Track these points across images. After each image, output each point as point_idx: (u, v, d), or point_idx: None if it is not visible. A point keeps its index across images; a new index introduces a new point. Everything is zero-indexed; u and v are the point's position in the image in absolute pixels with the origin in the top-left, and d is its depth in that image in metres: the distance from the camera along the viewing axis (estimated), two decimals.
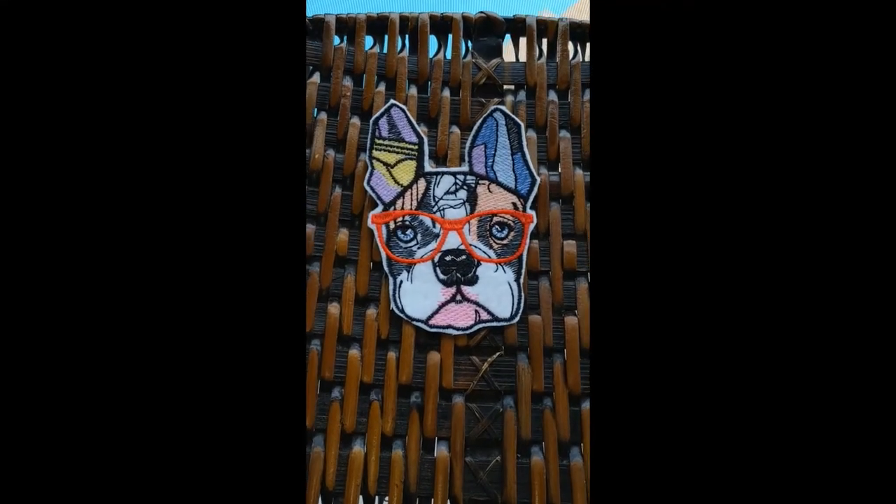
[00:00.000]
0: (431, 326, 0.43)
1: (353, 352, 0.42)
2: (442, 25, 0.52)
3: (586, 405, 0.41)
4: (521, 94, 0.50)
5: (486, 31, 0.52)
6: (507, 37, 0.52)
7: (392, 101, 0.47)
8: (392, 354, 0.42)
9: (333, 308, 0.43)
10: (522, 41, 0.52)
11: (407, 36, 0.51)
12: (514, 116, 0.47)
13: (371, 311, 0.43)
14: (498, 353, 0.43)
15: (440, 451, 0.40)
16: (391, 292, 0.43)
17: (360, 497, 0.39)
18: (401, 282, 0.43)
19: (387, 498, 0.39)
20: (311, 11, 0.51)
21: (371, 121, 0.47)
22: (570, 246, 0.45)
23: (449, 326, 0.43)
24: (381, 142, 0.46)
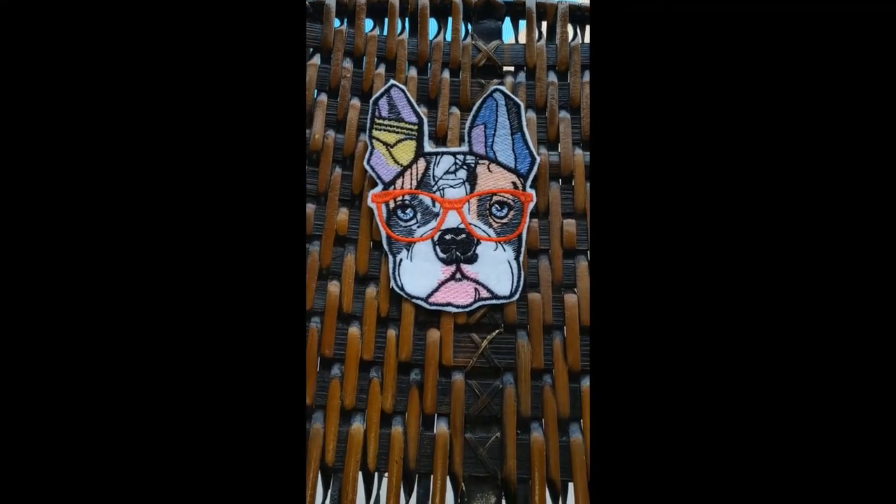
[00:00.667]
0: (431, 304, 0.43)
1: (353, 329, 0.42)
2: (441, 8, 0.52)
3: (586, 382, 0.41)
4: (521, 76, 0.50)
5: (486, 13, 0.52)
6: (507, 19, 0.53)
7: (392, 81, 0.47)
8: (392, 332, 0.42)
9: (333, 286, 0.43)
10: (522, 24, 0.52)
11: (407, 19, 0.52)
12: (513, 97, 0.47)
13: (371, 290, 0.43)
14: (497, 331, 0.43)
15: (440, 427, 0.40)
16: (391, 270, 0.43)
17: (360, 473, 0.39)
18: (400, 260, 0.44)
19: (386, 474, 0.39)
20: None
21: (371, 101, 0.47)
22: (570, 225, 0.45)
23: (448, 304, 0.43)
24: (380, 121, 0.47)
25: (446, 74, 0.49)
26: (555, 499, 0.39)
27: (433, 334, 0.42)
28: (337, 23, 0.51)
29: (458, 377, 0.42)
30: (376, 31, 0.51)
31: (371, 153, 0.46)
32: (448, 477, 0.39)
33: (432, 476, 0.39)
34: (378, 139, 0.46)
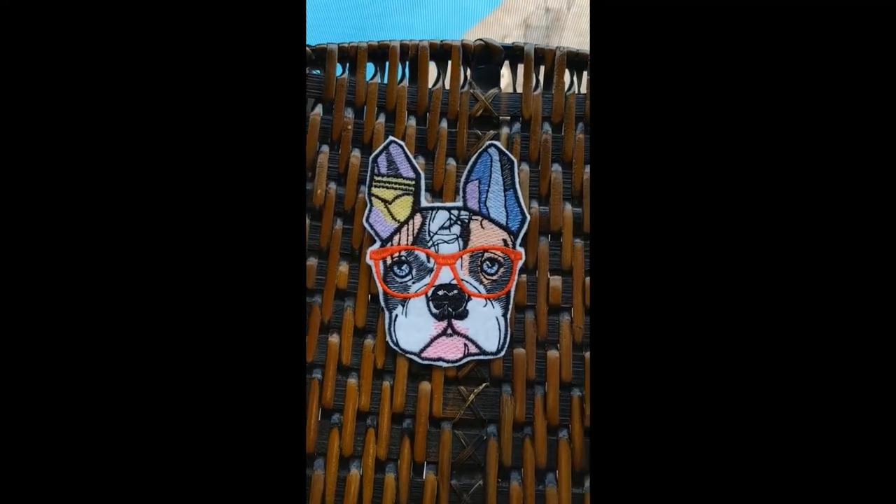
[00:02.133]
0: (423, 359, 0.46)
1: (352, 380, 0.46)
2: (441, 52, 0.53)
3: (563, 434, 0.45)
4: (517, 126, 0.51)
5: (485, 58, 0.53)
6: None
7: (391, 137, 0.50)
8: (387, 383, 0.46)
9: (334, 338, 0.47)
10: (520, 68, 0.53)
11: (407, 63, 0.53)
12: (507, 153, 0.49)
13: (368, 342, 0.47)
14: (484, 385, 0.46)
15: (428, 474, 0.45)
16: (387, 326, 0.47)
17: None
18: (396, 315, 0.47)
19: None
20: (313, 40, 0.53)
21: (370, 158, 0.49)
22: (556, 281, 0.48)
23: (439, 359, 0.46)
24: (379, 179, 0.49)
25: (444, 124, 0.51)
26: None
27: (424, 387, 0.46)
28: (339, 69, 0.52)
29: (446, 427, 0.46)
30: (377, 79, 0.52)
31: (370, 211, 0.49)
32: None
33: None
34: (377, 196, 0.49)
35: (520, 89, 0.52)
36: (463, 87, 0.52)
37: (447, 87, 0.52)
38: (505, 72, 0.54)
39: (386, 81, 0.52)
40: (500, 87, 0.53)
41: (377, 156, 0.49)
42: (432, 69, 0.53)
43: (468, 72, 0.53)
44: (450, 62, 0.52)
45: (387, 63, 0.53)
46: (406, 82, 0.52)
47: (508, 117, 0.52)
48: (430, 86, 0.52)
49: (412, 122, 0.51)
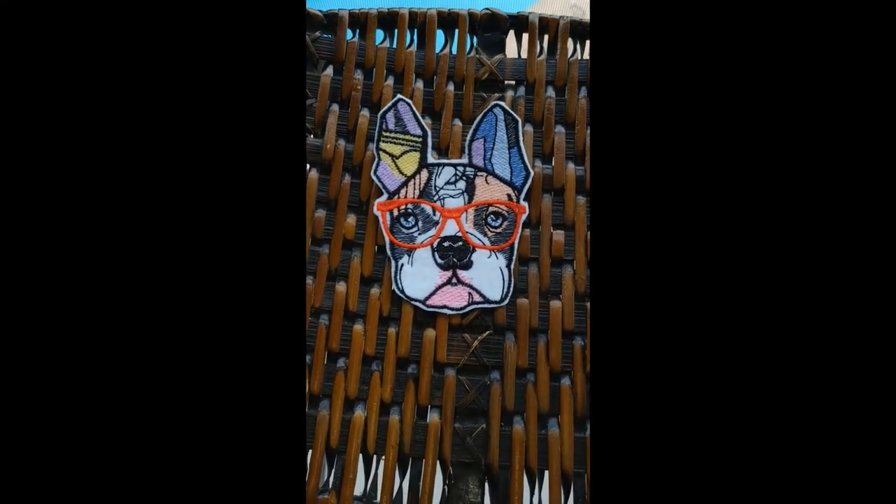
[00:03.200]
0: (428, 306, 0.47)
1: (358, 326, 0.47)
2: (448, 21, 0.55)
3: (566, 381, 0.46)
4: (521, 90, 0.53)
5: (491, 27, 0.55)
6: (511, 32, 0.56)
7: (399, 95, 0.51)
8: (392, 330, 0.47)
9: (341, 286, 0.48)
10: (525, 37, 0.55)
11: (416, 30, 0.55)
12: (512, 112, 0.51)
13: (374, 291, 0.48)
14: (488, 332, 0.47)
15: (432, 417, 0.45)
16: (393, 274, 0.48)
17: (360, 455, 0.45)
18: (402, 265, 0.48)
19: (383, 457, 0.45)
20: (326, 6, 0.54)
21: (379, 114, 0.51)
22: (559, 235, 0.49)
23: (444, 306, 0.47)
24: (387, 134, 0.50)
25: (451, 87, 0.53)
26: (532, 485, 0.44)
27: (429, 333, 0.47)
28: (349, 34, 0.54)
29: (450, 373, 0.46)
30: (386, 43, 0.54)
31: (378, 164, 0.50)
32: (438, 462, 0.45)
33: (424, 460, 0.44)
34: (385, 150, 0.50)
35: (524, 56, 0.54)
36: (469, 53, 0.54)
37: (454, 52, 0.54)
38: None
39: (395, 46, 0.54)
40: (504, 54, 0.54)
41: (385, 112, 0.51)
42: (439, 37, 0.55)
43: (475, 40, 0.55)
44: (457, 30, 0.54)
45: (395, 30, 0.54)
46: (414, 48, 0.54)
47: (513, 81, 0.54)
48: (437, 52, 0.54)
49: (419, 84, 0.53)
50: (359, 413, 0.45)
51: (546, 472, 0.45)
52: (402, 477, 0.45)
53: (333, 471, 0.45)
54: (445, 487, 0.45)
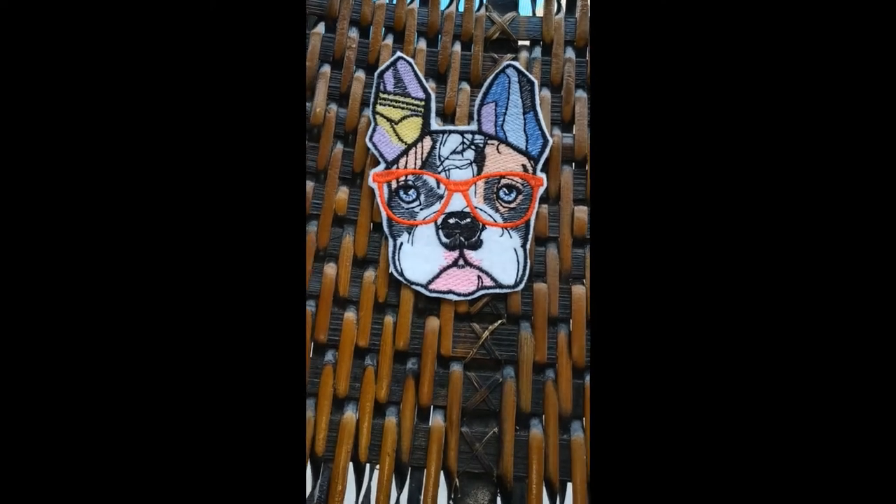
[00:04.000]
0: (431, 291, 0.41)
1: (349, 314, 0.41)
2: None
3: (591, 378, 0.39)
4: (537, 51, 0.47)
5: None
6: None
7: (399, 53, 0.45)
8: (389, 318, 0.41)
9: (330, 269, 0.41)
10: None
11: None
12: (527, 73, 0.45)
13: (369, 274, 0.41)
14: (500, 321, 0.41)
15: (435, 420, 0.39)
16: (390, 254, 0.41)
17: (351, 464, 0.38)
18: (401, 244, 0.42)
19: (378, 466, 0.38)
20: None
21: (376, 74, 0.44)
22: (581, 212, 0.43)
23: (450, 291, 0.41)
24: (385, 96, 0.44)
25: (457, 47, 0.47)
26: (552, 499, 0.38)
27: (432, 322, 0.40)
28: None
29: (456, 368, 0.40)
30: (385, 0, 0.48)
31: (374, 130, 0.44)
32: (442, 472, 0.38)
33: (425, 470, 0.38)
34: (382, 115, 0.44)
35: (540, 14, 0.48)
36: (478, 10, 0.48)
37: (461, 10, 0.48)
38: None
39: (395, 2, 0.48)
40: (517, 11, 0.48)
41: (383, 72, 0.44)
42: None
43: None
44: None
45: None
46: (416, 4, 0.48)
47: (527, 42, 0.48)
48: (441, 9, 0.48)
49: (422, 44, 0.47)
50: (349, 414, 0.39)
51: (569, 485, 0.38)
52: (400, 490, 0.38)
53: (319, 482, 0.38)
54: (451, 502, 0.38)
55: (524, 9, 0.49)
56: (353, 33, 0.47)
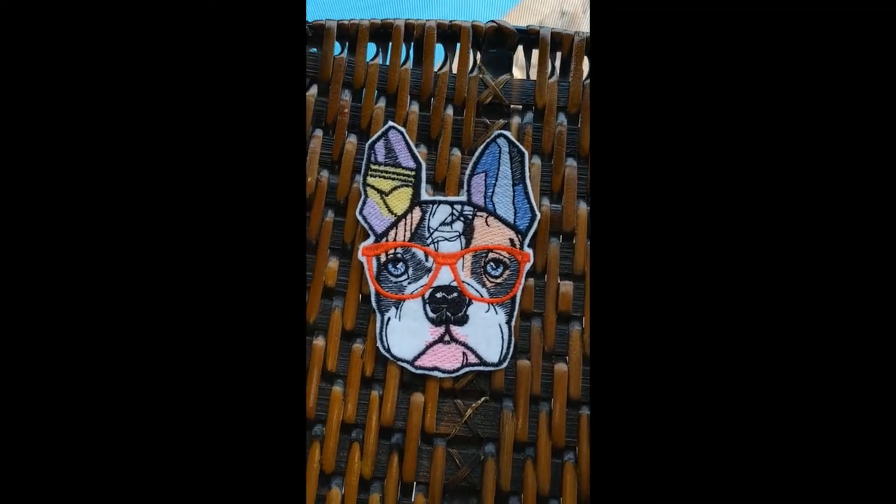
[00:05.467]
0: (417, 368, 0.42)
1: (337, 388, 0.42)
2: (449, 34, 0.48)
3: (570, 457, 0.41)
4: (529, 115, 0.47)
5: (496, 42, 0.49)
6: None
7: (390, 122, 0.45)
8: (375, 393, 0.42)
9: (319, 342, 0.42)
10: (535, 55, 0.49)
11: (412, 45, 0.49)
12: (518, 143, 0.45)
13: (357, 347, 0.43)
14: (483, 399, 0.42)
15: (418, 496, 0.40)
16: (378, 330, 0.42)
17: None
18: (388, 319, 0.42)
19: None
20: (311, 16, 0.48)
21: (367, 144, 0.45)
22: (567, 287, 0.43)
23: (435, 368, 0.42)
24: (376, 167, 0.45)
25: (450, 111, 0.47)
26: None
27: (417, 399, 0.42)
28: (337, 48, 0.48)
29: (439, 444, 0.41)
30: (378, 60, 0.48)
31: (364, 202, 0.44)
32: None
33: None
34: (373, 186, 0.44)
35: (534, 76, 0.48)
36: (471, 72, 0.48)
37: (454, 71, 0.48)
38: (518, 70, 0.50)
39: (388, 63, 0.48)
40: (511, 74, 0.48)
41: (374, 142, 0.45)
42: (438, 56, 0.49)
43: (478, 56, 0.49)
44: (458, 45, 0.48)
45: (389, 44, 0.48)
46: (410, 65, 0.48)
47: (520, 106, 0.48)
48: (435, 69, 0.48)
49: (415, 107, 0.47)
50: (335, 490, 0.40)
51: None
52: None
53: None
54: None
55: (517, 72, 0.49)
56: (346, 96, 0.47)
